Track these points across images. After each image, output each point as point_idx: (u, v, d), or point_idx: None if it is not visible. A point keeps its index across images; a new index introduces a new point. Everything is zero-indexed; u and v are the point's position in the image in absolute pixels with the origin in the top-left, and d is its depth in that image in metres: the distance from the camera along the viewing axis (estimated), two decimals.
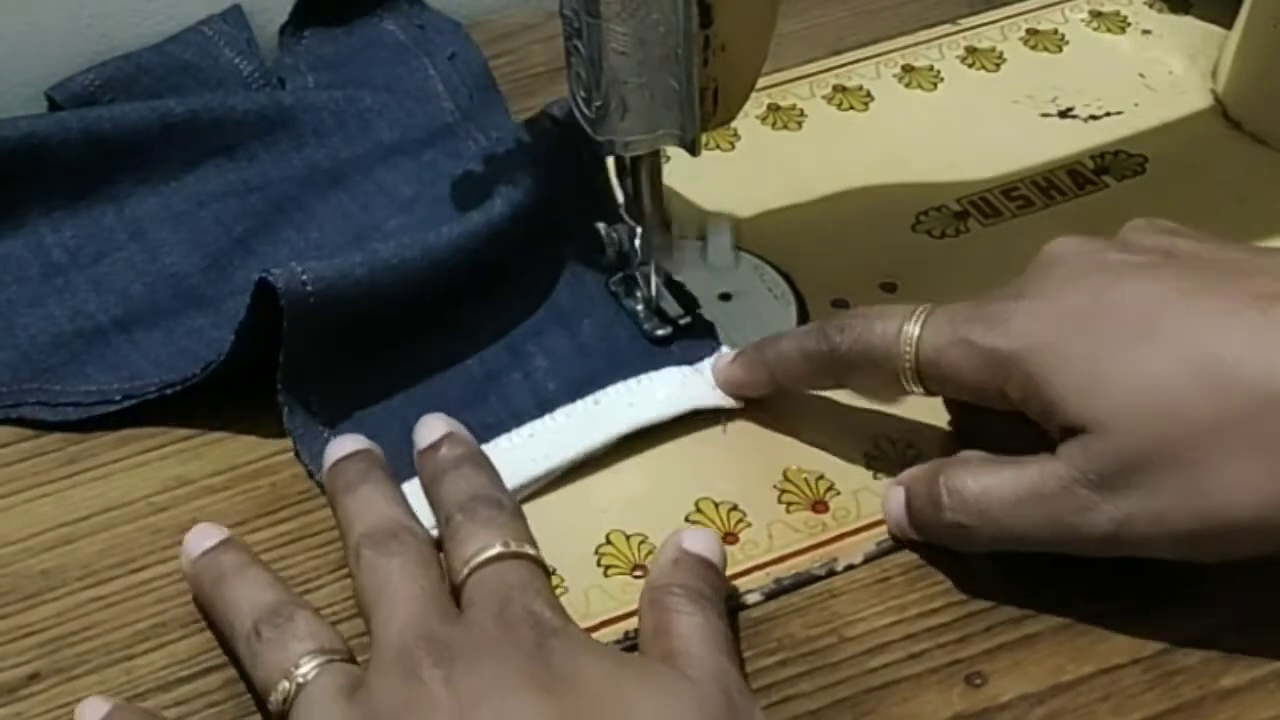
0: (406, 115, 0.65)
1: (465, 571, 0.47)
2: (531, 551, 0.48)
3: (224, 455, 0.54)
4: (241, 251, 0.60)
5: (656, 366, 0.55)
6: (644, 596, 0.47)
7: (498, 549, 0.47)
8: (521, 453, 0.53)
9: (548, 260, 0.58)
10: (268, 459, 0.54)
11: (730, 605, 0.49)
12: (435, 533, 0.50)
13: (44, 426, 0.55)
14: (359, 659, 0.46)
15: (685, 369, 0.55)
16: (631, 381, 0.55)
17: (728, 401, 0.54)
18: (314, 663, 0.44)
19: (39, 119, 0.62)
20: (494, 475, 0.51)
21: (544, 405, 0.54)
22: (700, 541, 0.48)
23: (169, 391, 0.55)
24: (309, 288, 0.52)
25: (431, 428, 0.52)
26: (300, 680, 0.44)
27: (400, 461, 0.52)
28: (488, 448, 0.52)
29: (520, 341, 0.57)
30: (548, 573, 0.48)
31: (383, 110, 0.65)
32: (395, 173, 0.62)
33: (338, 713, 0.43)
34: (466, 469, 0.50)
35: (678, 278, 0.58)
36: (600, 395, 0.54)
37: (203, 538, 0.49)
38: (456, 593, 0.47)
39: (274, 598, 0.47)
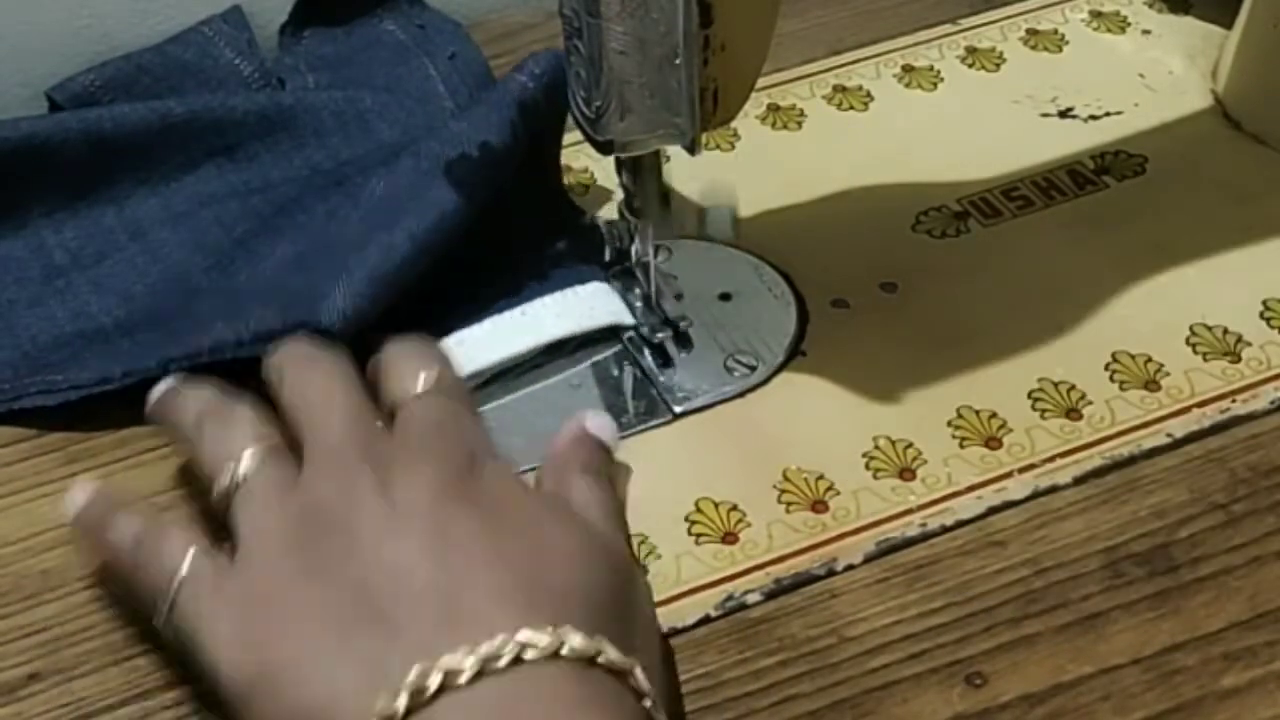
0: (407, 115, 0.65)
1: (408, 397, 0.47)
2: (465, 400, 0.48)
3: None
4: (244, 252, 0.60)
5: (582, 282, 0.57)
6: (545, 467, 0.48)
7: (435, 383, 0.48)
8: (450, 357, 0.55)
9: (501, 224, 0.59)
10: None
11: (730, 605, 0.49)
12: None
13: (46, 417, 0.55)
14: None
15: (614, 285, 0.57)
16: (558, 294, 0.56)
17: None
18: (256, 457, 0.45)
19: (39, 119, 0.62)
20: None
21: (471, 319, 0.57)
22: (600, 426, 0.49)
23: (171, 367, 0.54)
24: (350, 316, 0.53)
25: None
26: (243, 473, 0.45)
27: None
28: None
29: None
30: (476, 414, 0.49)
31: (383, 111, 0.65)
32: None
33: (275, 506, 0.44)
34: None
35: (677, 276, 0.58)
36: (527, 306, 0.56)
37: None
38: (390, 420, 0.47)
39: (217, 396, 0.48)
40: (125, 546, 0.46)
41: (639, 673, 0.40)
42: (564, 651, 0.39)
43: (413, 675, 0.39)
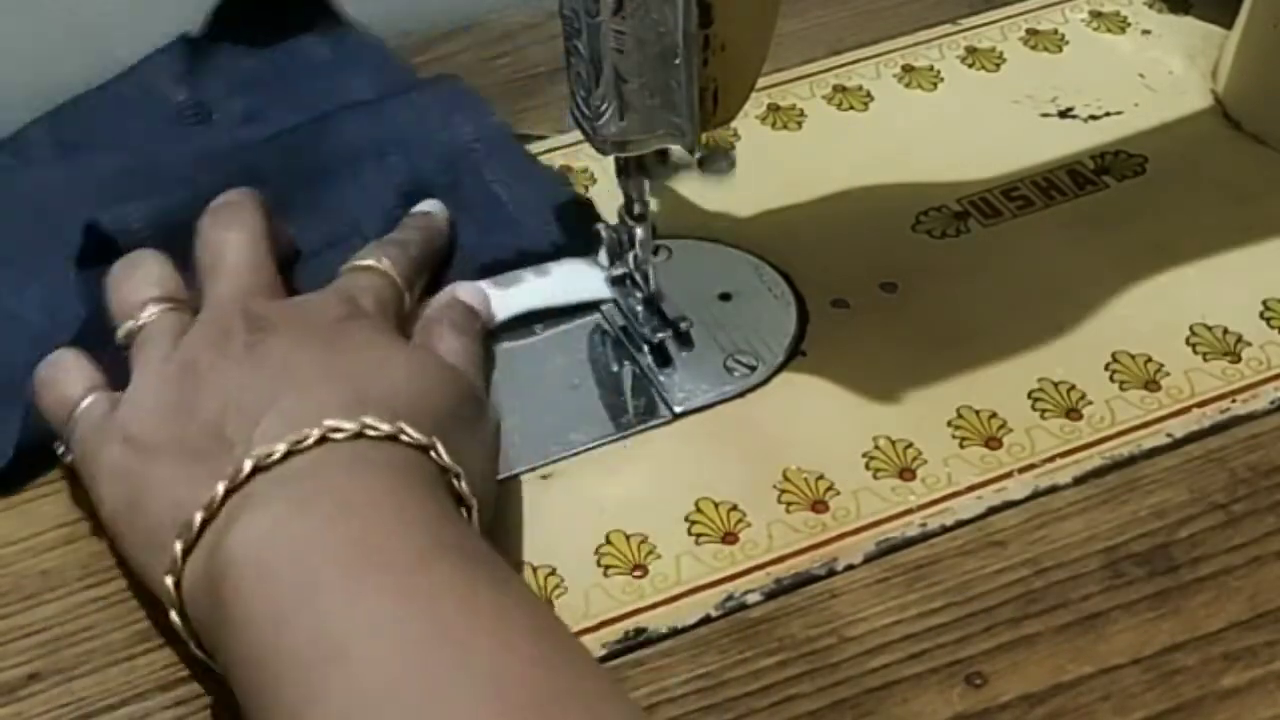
0: (337, 135, 0.63)
1: (342, 269, 0.54)
2: (394, 275, 0.54)
3: None
4: None
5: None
6: (416, 326, 0.54)
7: (369, 263, 0.54)
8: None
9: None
10: None
11: (730, 605, 0.49)
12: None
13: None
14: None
15: (580, 262, 0.59)
16: (535, 268, 0.59)
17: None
18: (157, 309, 0.51)
19: None
20: (429, 237, 0.58)
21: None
22: (471, 294, 0.56)
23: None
24: (136, 225, 0.55)
25: (428, 204, 0.60)
26: (142, 322, 0.51)
27: None
28: None
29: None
30: (402, 301, 0.54)
31: (313, 140, 0.63)
32: (354, 183, 0.61)
33: (162, 356, 0.49)
34: (409, 230, 0.58)
35: (675, 282, 0.58)
36: (501, 278, 0.58)
37: None
38: None
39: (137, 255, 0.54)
40: (41, 377, 0.52)
41: (440, 448, 0.45)
42: (367, 432, 0.44)
43: (232, 468, 0.43)
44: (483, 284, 0.58)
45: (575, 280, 0.59)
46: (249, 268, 0.52)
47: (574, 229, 0.60)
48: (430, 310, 0.55)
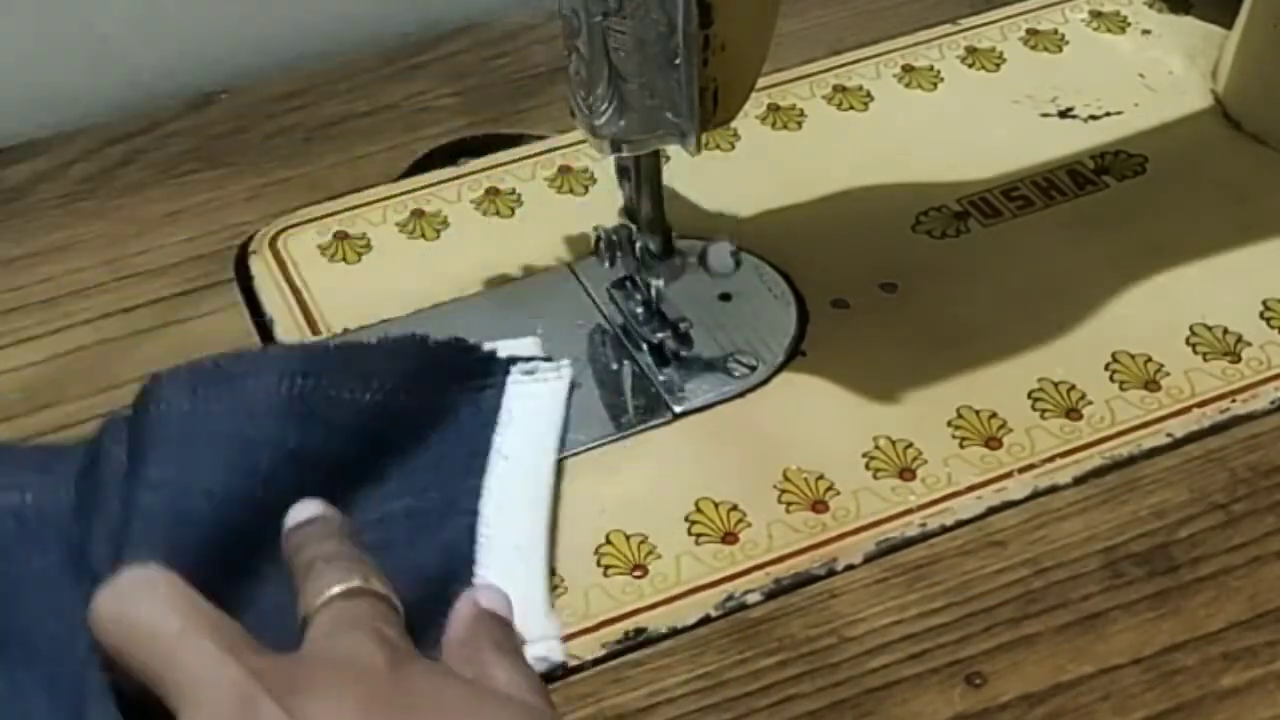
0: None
1: (319, 603, 0.43)
2: (388, 593, 0.45)
3: None
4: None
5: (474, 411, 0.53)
6: (452, 652, 0.45)
7: (356, 583, 0.44)
8: (502, 544, 0.50)
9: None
10: None
11: (730, 605, 0.49)
12: None
13: None
14: None
15: (516, 383, 0.54)
16: (509, 429, 0.53)
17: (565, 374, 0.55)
18: None
19: None
20: (354, 540, 0.47)
21: (455, 503, 0.51)
22: (495, 600, 0.47)
23: None
24: None
25: (302, 509, 0.47)
26: None
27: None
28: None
29: (379, 504, 0.51)
30: (402, 617, 0.45)
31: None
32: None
33: None
34: (333, 540, 0.46)
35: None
36: (500, 446, 0.53)
37: None
38: (303, 629, 0.44)
39: None
40: None
41: None
42: None
43: None
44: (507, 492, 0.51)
45: (534, 411, 0.54)
46: (209, 625, 0.41)
47: (468, 371, 0.54)
48: (458, 634, 0.46)
